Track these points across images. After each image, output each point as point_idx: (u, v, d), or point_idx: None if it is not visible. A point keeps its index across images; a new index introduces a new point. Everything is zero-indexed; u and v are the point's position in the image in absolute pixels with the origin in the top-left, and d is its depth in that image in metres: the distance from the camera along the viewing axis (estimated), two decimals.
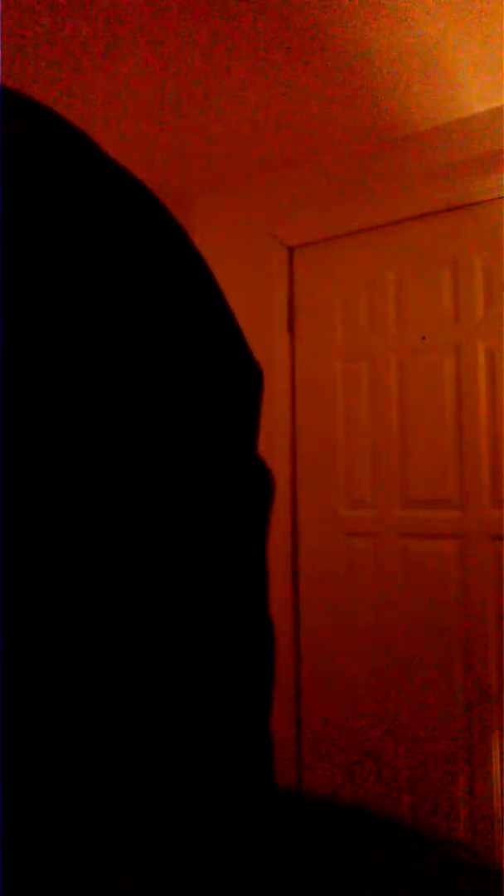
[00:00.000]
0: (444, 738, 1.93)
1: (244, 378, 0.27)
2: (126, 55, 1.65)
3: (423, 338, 2.04)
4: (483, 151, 1.89)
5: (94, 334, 0.21)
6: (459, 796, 1.91)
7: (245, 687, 0.24)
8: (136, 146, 2.08)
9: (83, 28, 1.55)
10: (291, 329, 2.29)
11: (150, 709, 0.21)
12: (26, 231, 0.20)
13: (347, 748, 2.09)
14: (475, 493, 1.93)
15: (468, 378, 1.96)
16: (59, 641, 0.19)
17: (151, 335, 0.22)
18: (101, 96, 1.82)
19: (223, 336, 0.26)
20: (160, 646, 0.21)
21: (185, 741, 0.21)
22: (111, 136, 2.01)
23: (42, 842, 0.18)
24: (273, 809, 0.24)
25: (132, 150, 2.09)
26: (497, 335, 1.92)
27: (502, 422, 1.90)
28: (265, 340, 2.29)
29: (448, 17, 1.52)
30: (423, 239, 2.05)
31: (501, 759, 1.85)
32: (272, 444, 2.25)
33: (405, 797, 1.99)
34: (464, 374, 1.97)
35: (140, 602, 0.21)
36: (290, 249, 2.30)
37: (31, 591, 0.19)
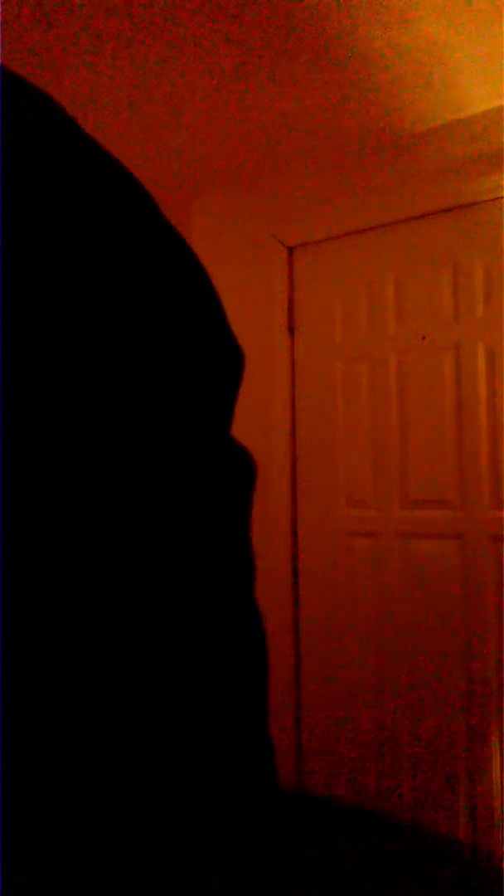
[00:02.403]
0: (444, 738, 1.93)
1: (224, 357, 0.26)
2: (127, 55, 1.65)
3: (423, 338, 2.04)
4: (483, 151, 1.89)
5: (68, 306, 0.20)
6: (459, 796, 1.91)
7: (235, 675, 0.23)
8: (137, 145, 2.08)
9: (86, 27, 1.55)
10: (291, 329, 2.29)
11: (133, 701, 0.20)
12: (9, 208, 0.19)
13: (347, 748, 2.09)
14: (475, 493, 1.93)
15: (468, 378, 1.96)
16: (36, 625, 0.18)
17: (130, 309, 0.22)
18: (102, 96, 1.82)
19: (204, 313, 0.25)
20: (139, 636, 0.21)
21: (174, 735, 0.21)
22: (112, 135, 2.00)
23: (39, 834, 0.18)
24: (273, 803, 0.23)
25: (133, 149, 2.09)
26: (497, 335, 1.92)
27: (502, 422, 1.90)
28: (265, 340, 2.29)
29: (448, 17, 1.52)
30: (423, 239, 2.05)
31: (501, 759, 1.85)
32: (272, 444, 2.25)
33: (405, 797, 1.99)
34: (464, 373, 1.97)
35: (117, 590, 0.20)
36: (290, 249, 2.30)
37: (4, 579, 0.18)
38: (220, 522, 0.24)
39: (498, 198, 1.92)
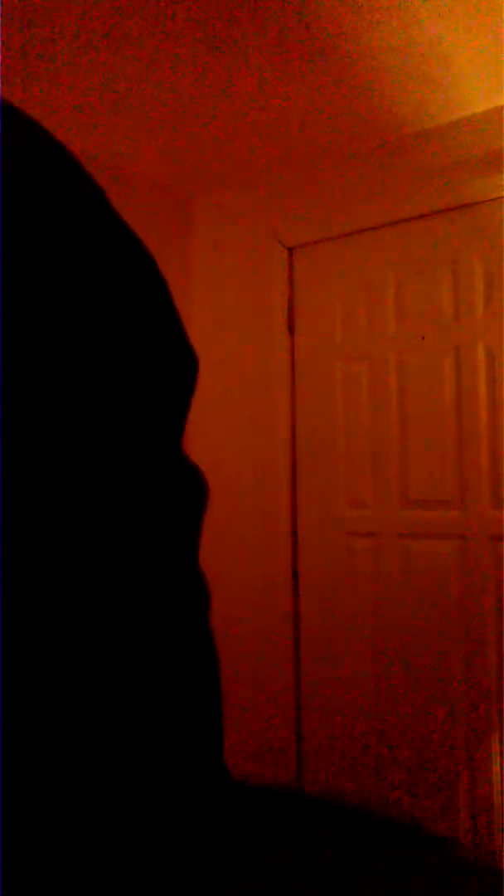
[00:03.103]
0: (444, 738, 1.93)
1: (176, 364, 0.24)
2: (128, 56, 1.65)
3: (423, 338, 2.04)
4: (483, 151, 1.89)
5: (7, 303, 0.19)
6: (459, 796, 1.91)
7: (180, 706, 0.22)
8: (137, 146, 2.08)
9: (85, 29, 1.55)
10: (291, 329, 2.29)
11: (78, 714, 0.20)
12: None
13: (347, 748, 2.09)
14: (475, 493, 1.93)
15: (468, 378, 1.96)
16: None
17: (65, 310, 0.20)
18: (103, 97, 1.82)
19: (154, 314, 0.23)
20: (75, 669, 0.20)
21: (115, 769, 0.20)
22: (112, 137, 2.01)
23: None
24: (220, 799, 0.23)
25: (133, 150, 2.09)
26: (497, 335, 1.92)
27: (502, 422, 1.90)
28: (265, 340, 2.29)
29: (448, 17, 1.52)
30: (423, 239, 2.05)
31: (501, 759, 1.85)
32: (272, 444, 2.25)
33: (405, 797, 1.99)
34: (464, 374, 1.97)
35: (48, 620, 0.19)
36: (290, 249, 2.30)
37: None
38: (164, 548, 0.23)
39: (498, 198, 1.92)
